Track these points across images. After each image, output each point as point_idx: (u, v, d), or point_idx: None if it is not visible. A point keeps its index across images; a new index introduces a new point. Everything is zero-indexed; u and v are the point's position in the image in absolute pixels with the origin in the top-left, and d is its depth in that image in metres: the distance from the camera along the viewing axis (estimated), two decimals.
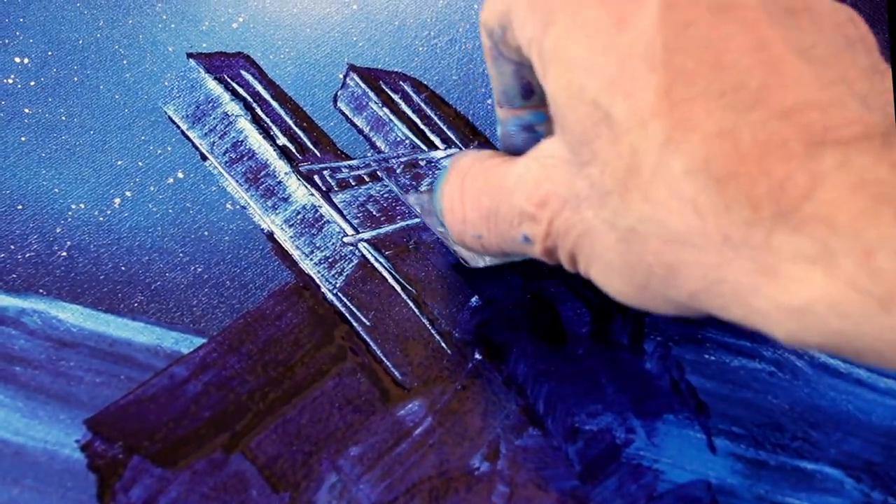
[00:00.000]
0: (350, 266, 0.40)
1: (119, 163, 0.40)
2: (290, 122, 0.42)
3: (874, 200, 0.19)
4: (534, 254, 0.29)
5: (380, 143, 0.42)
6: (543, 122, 0.33)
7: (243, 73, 0.42)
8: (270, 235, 0.40)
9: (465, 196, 0.31)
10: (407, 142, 0.42)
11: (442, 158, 0.42)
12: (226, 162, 0.41)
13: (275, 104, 0.42)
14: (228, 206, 0.40)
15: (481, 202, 0.30)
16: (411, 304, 0.40)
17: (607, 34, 0.24)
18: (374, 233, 0.41)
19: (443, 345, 0.39)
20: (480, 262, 0.36)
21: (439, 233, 0.36)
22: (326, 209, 0.41)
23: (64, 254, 0.39)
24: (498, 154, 0.32)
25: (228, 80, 0.42)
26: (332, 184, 0.41)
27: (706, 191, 0.21)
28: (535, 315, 0.40)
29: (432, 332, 0.39)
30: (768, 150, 0.21)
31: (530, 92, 0.32)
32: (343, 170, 0.42)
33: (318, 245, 0.40)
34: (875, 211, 0.19)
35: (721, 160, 0.21)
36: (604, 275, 0.26)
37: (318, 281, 0.40)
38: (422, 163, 0.42)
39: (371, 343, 0.39)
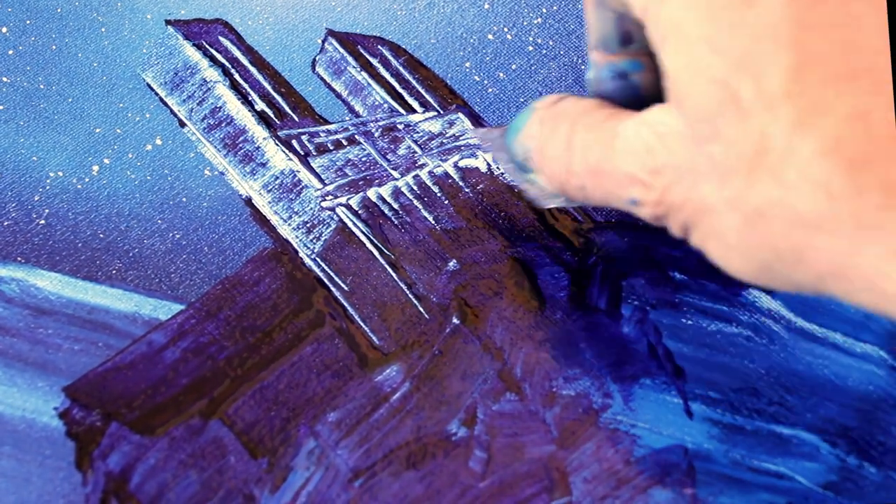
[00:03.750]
0: (328, 231, 0.40)
1: (97, 130, 0.40)
2: (269, 88, 0.42)
3: None
4: (640, 214, 0.29)
5: (358, 108, 0.42)
6: (640, 72, 0.31)
7: (221, 39, 0.42)
8: (249, 201, 0.40)
9: (574, 146, 0.30)
10: (385, 105, 0.42)
11: (420, 122, 0.42)
12: (204, 128, 0.41)
13: (253, 70, 0.42)
14: (207, 172, 0.40)
15: (590, 156, 0.29)
16: (389, 268, 0.40)
17: (734, 9, 0.24)
18: (351, 196, 0.40)
19: (420, 309, 0.39)
20: (553, 202, 0.35)
21: (507, 168, 0.35)
22: (304, 173, 0.40)
23: (42, 221, 0.39)
24: (603, 104, 0.31)
25: (207, 46, 0.42)
26: (311, 148, 0.41)
27: (838, 174, 0.21)
28: (514, 279, 0.40)
29: (410, 296, 0.39)
30: None
31: (629, 40, 0.31)
32: (321, 134, 0.41)
33: (296, 210, 0.40)
34: None
35: (854, 143, 0.21)
36: (722, 252, 0.26)
37: (296, 246, 0.40)
38: (400, 126, 0.42)
39: (349, 308, 0.39)
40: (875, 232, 0.21)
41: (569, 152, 0.30)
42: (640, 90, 0.31)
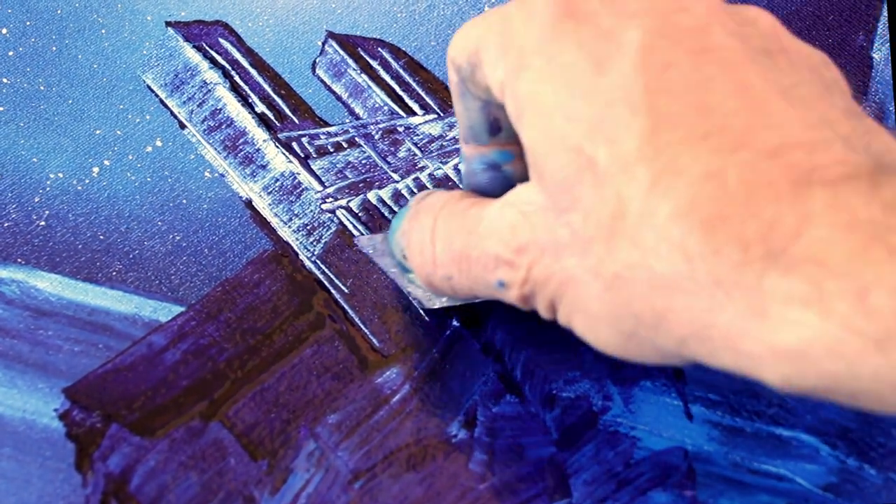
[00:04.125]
0: (328, 233, 0.40)
1: (97, 132, 0.40)
2: (269, 90, 0.42)
3: (866, 239, 0.19)
4: (508, 299, 0.28)
5: (358, 110, 0.42)
6: (510, 161, 0.32)
7: (222, 41, 0.42)
8: (249, 203, 0.40)
9: (437, 237, 0.30)
10: (385, 108, 0.42)
11: (420, 125, 0.42)
12: (204, 130, 0.41)
13: (253, 72, 0.42)
14: (207, 174, 0.40)
15: (453, 244, 0.29)
16: None
17: (586, 78, 0.24)
18: (352, 198, 0.41)
19: (421, 312, 0.39)
20: (437, 302, 0.35)
21: (391, 273, 0.35)
22: (305, 176, 0.41)
23: (42, 223, 0.39)
24: (468, 195, 0.31)
25: (207, 48, 0.42)
26: (311, 151, 0.41)
27: (694, 234, 0.21)
28: None
29: (410, 299, 0.39)
30: (756, 190, 0.20)
31: (497, 129, 0.31)
32: (321, 137, 0.41)
33: (296, 212, 0.40)
34: (867, 250, 0.19)
35: (709, 203, 0.21)
36: (588, 325, 0.26)
37: (296, 248, 0.40)
38: (400, 129, 0.42)
39: (349, 310, 0.39)
40: (732, 290, 0.20)
41: (432, 244, 0.30)
42: (512, 180, 0.31)
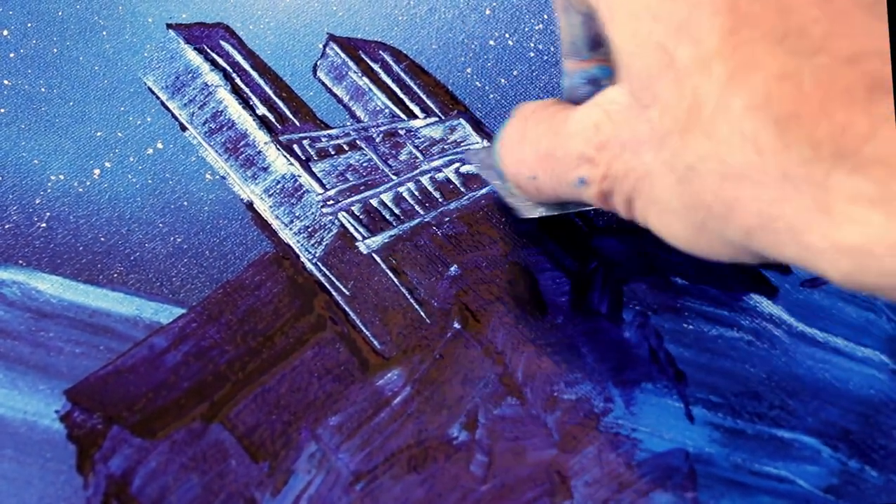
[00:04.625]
0: (329, 235, 0.40)
1: (98, 133, 0.40)
2: (270, 92, 0.42)
3: None
4: (589, 197, 0.29)
5: (359, 113, 0.42)
6: (610, 77, 0.32)
7: (223, 43, 0.42)
8: (250, 205, 0.40)
9: (526, 138, 0.32)
10: (387, 111, 0.42)
11: (421, 128, 0.42)
12: (205, 132, 0.41)
13: (254, 74, 0.42)
14: (208, 176, 0.40)
15: (541, 144, 0.31)
16: (390, 273, 0.40)
17: None
18: (354, 199, 0.41)
19: (422, 314, 0.39)
20: (535, 212, 0.36)
21: (496, 185, 0.36)
22: (306, 178, 0.41)
23: (43, 225, 0.39)
24: (556, 101, 0.32)
25: (208, 50, 0.42)
26: (312, 153, 0.41)
27: (766, 129, 0.22)
28: (515, 284, 0.40)
29: (411, 301, 0.39)
30: (830, 93, 0.21)
31: (598, 44, 0.32)
32: (322, 139, 0.41)
33: (297, 215, 0.40)
34: None
35: (783, 100, 0.21)
36: (661, 218, 0.27)
37: (297, 250, 0.40)
38: (401, 132, 0.42)
39: (350, 312, 0.39)
40: (800, 185, 0.21)
41: (521, 145, 0.32)
42: None
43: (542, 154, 0.31)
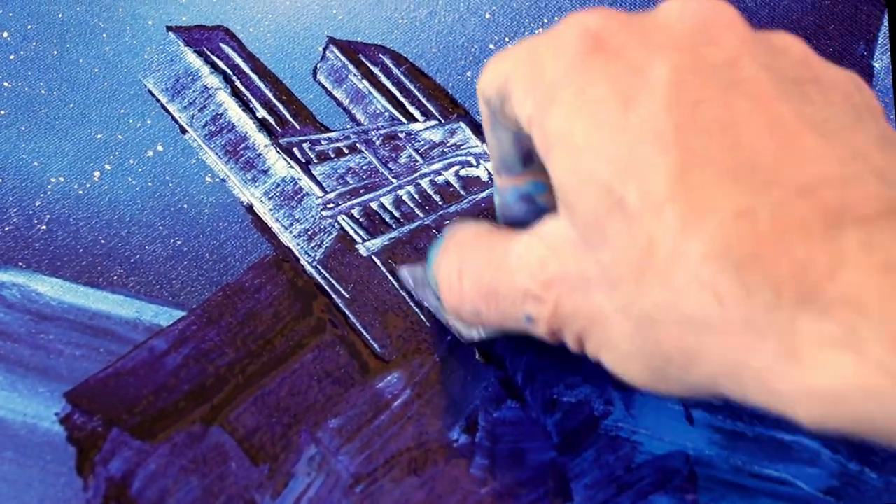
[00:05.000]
0: (329, 238, 0.40)
1: (98, 136, 0.40)
2: (270, 95, 0.42)
3: None
4: (536, 332, 0.28)
5: (359, 116, 0.42)
6: (544, 193, 0.32)
7: (223, 45, 0.42)
8: (250, 208, 0.40)
9: (464, 272, 0.30)
10: (386, 114, 0.42)
11: (421, 131, 0.42)
12: (205, 135, 0.41)
13: (254, 77, 0.42)
14: (208, 178, 0.40)
15: (481, 279, 0.29)
16: (390, 276, 0.40)
17: (614, 114, 0.23)
18: (353, 202, 0.41)
19: (422, 317, 0.39)
20: (475, 334, 0.35)
21: (432, 306, 0.36)
22: (306, 181, 0.41)
23: (43, 227, 0.39)
24: (497, 228, 0.31)
25: (208, 53, 0.42)
26: (312, 156, 0.41)
27: (726, 275, 0.20)
28: None
29: (411, 304, 0.39)
30: (787, 230, 0.20)
31: (530, 159, 0.31)
32: (322, 142, 0.41)
33: (297, 217, 0.40)
34: None
35: (740, 243, 0.20)
36: (617, 361, 0.26)
37: (297, 253, 0.40)
38: (401, 135, 0.42)
39: (350, 315, 0.39)
40: (765, 332, 0.20)
41: (459, 280, 0.30)
42: (546, 212, 0.31)
43: (484, 290, 0.29)
